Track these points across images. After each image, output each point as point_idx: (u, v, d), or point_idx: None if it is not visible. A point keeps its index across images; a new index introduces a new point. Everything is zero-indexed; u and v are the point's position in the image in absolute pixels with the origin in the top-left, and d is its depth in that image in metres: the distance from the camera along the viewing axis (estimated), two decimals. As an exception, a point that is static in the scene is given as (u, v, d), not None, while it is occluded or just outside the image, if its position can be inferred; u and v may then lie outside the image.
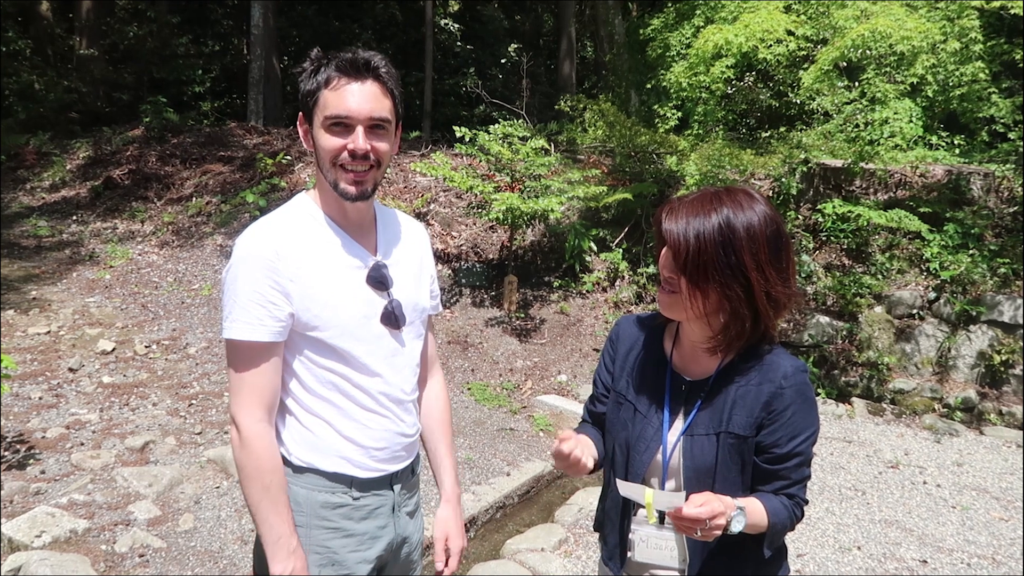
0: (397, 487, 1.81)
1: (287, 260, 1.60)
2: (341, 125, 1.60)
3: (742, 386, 1.61)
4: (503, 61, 17.75)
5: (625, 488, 1.51)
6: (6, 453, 4.49)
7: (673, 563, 1.66)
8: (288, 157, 10.62)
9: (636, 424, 1.70)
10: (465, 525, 4.20)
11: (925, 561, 4.13)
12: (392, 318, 1.73)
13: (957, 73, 8.17)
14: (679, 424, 1.66)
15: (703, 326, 1.62)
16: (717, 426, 1.60)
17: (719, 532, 1.46)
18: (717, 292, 1.53)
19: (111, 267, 8.53)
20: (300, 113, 1.66)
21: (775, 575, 1.72)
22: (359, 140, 1.60)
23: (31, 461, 4.42)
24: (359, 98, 1.59)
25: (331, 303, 1.64)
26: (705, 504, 1.44)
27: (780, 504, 1.59)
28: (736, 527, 1.48)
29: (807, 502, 1.64)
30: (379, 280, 1.71)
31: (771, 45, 7.85)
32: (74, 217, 10.26)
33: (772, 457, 1.59)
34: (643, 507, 1.54)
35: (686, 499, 1.46)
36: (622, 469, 1.71)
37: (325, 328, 1.64)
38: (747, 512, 1.51)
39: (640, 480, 1.67)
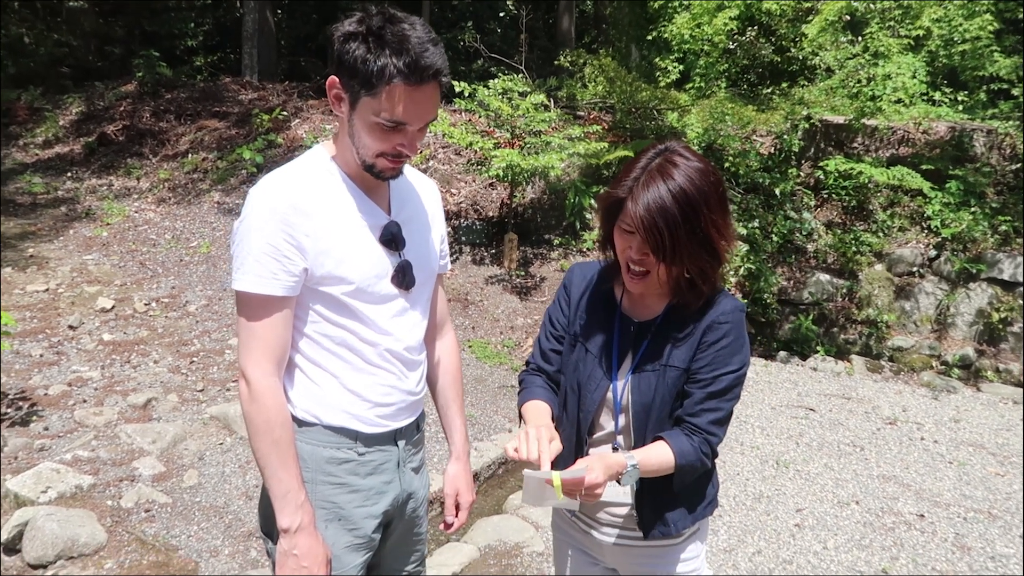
0: (402, 443, 1.81)
1: (303, 214, 1.57)
2: (393, 127, 1.54)
3: (684, 323, 1.71)
4: (501, 15, 17.43)
5: (533, 476, 1.55)
6: (9, 410, 4.50)
7: (626, 498, 1.78)
8: (284, 112, 10.49)
9: (587, 365, 1.78)
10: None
11: (922, 515, 4.19)
12: (403, 278, 1.71)
13: (962, 28, 8.04)
14: (628, 363, 1.75)
15: (668, 288, 1.72)
16: (661, 360, 1.71)
17: (600, 495, 1.57)
18: (688, 262, 1.61)
19: (108, 224, 8.47)
20: (335, 78, 1.55)
21: (703, 505, 1.83)
22: (413, 144, 1.59)
23: (34, 418, 4.43)
24: (421, 108, 1.53)
25: (345, 260, 1.62)
26: (586, 479, 1.53)
27: (688, 445, 1.66)
28: (627, 481, 1.62)
29: (717, 437, 1.70)
30: (391, 239, 1.69)
31: (776, -4, 7.71)
32: (69, 174, 10.15)
33: (693, 381, 1.69)
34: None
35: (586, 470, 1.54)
36: (574, 408, 1.81)
37: (337, 284, 1.63)
38: (642, 464, 1.63)
39: (590, 418, 1.78)
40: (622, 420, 1.76)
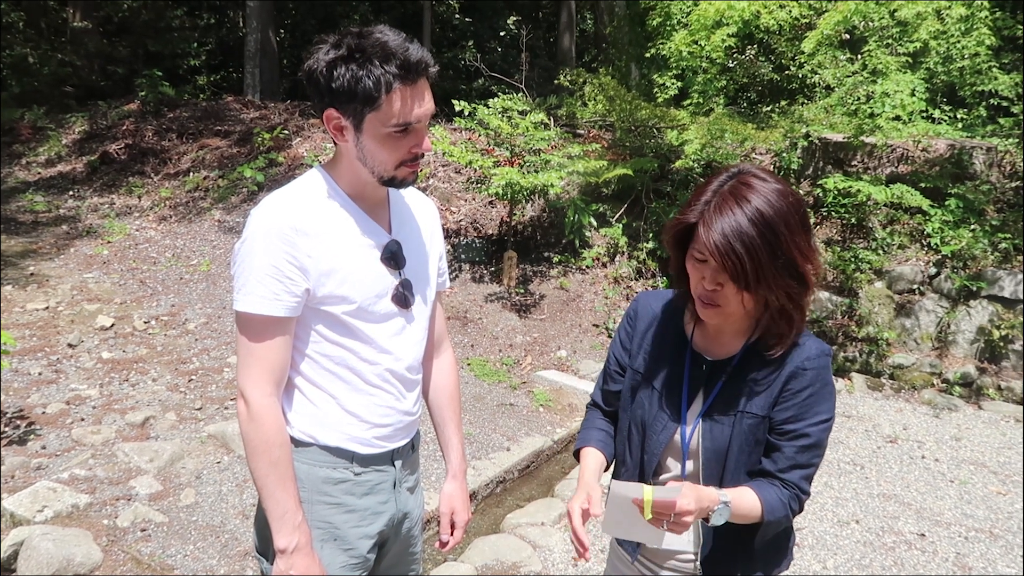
0: (398, 463, 1.81)
1: (305, 235, 1.58)
2: (403, 131, 1.56)
3: (765, 367, 1.57)
4: (502, 34, 17.56)
5: (620, 494, 1.48)
6: (7, 429, 4.49)
7: (690, 547, 1.67)
8: (286, 131, 10.55)
9: (653, 403, 1.67)
10: (466, 499, 4.24)
11: (923, 534, 4.16)
12: (403, 297, 1.72)
13: (960, 45, 8.08)
14: (698, 404, 1.63)
15: (750, 322, 1.60)
16: (738, 406, 1.58)
17: (686, 529, 1.47)
18: (774, 289, 1.47)
19: (109, 242, 8.49)
20: (331, 110, 1.56)
21: (781, 562, 1.74)
22: (427, 142, 1.61)
23: (31, 436, 4.42)
24: (421, 102, 1.56)
25: (347, 280, 1.62)
26: (678, 503, 1.44)
27: (777, 499, 1.56)
28: (717, 520, 1.51)
29: (808, 495, 1.60)
30: (392, 258, 1.70)
31: (773, 11, 7.77)
32: (71, 192, 10.20)
33: (780, 432, 1.57)
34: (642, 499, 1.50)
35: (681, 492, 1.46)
36: (638, 448, 1.70)
37: (339, 304, 1.63)
38: (734, 505, 1.52)
39: (655, 461, 1.67)
40: (690, 465, 1.65)
